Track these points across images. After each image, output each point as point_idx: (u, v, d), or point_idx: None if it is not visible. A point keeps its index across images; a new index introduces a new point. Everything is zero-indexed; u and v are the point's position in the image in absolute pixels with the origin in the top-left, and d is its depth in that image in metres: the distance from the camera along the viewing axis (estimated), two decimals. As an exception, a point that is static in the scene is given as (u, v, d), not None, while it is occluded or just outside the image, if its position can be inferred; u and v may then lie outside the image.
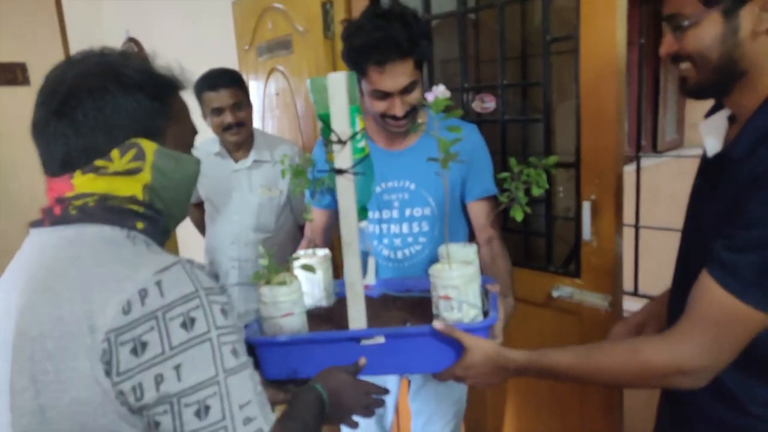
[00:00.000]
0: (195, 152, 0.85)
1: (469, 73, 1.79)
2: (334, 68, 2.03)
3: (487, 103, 1.69)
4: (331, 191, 1.51)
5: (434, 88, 1.08)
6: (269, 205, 2.18)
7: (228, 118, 2.06)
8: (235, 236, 2.19)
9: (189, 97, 0.87)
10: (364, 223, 1.23)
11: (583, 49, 1.42)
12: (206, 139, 2.23)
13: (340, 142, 1.05)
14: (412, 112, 1.38)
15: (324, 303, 1.28)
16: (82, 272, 0.67)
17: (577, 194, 1.51)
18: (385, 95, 1.35)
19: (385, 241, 1.52)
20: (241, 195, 2.17)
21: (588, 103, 1.45)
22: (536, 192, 1.10)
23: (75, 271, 0.67)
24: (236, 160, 2.18)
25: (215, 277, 0.72)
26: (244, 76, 2.36)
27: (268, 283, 1.12)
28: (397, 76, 1.32)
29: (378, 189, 1.50)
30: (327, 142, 1.08)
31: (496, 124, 1.72)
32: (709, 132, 0.99)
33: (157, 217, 0.78)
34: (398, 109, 1.35)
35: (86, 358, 0.63)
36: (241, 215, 2.18)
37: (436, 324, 1.05)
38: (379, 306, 1.24)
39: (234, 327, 0.70)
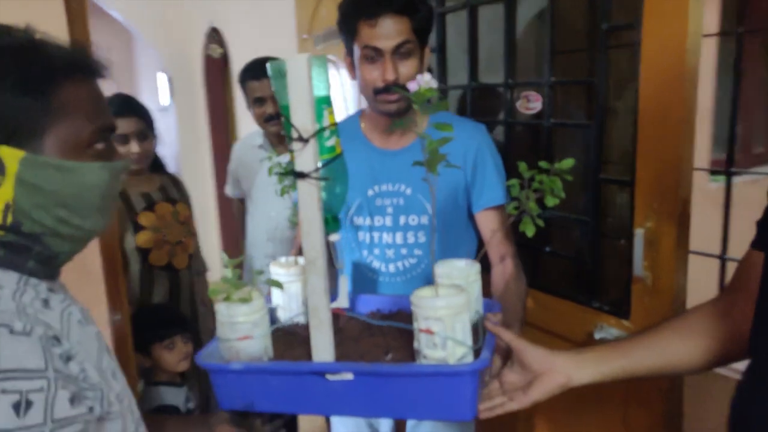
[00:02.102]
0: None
1: (519, 68, 1.55)
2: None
3: (532, 103, 1.44)
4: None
5: (419, 76, 0.91)
6: (308, 202, 2.08)
7: (269, 108, 2.01)
8: (272, 233, 2.13)
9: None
10: (335, 236, 1.06)
11: (646, 41, 1.14)
12: (251, 132, 2.19)
13: (301, 139, 0.89)
14: (407, 99, 1.21)
15: (302, 320, 1.12)
16: None
17: (631, 219, 1.23)
18: (376, 55, 1.21)
19: (376, 251, 1.35)
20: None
21: (649, 109, 1.16)
22: (550, 202, 0.93)
23: None
24: (278, 153, 2.10)
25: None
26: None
27: (227, 299, 0.98)
28: (390, 32, 1.18)
29: (370, 192, 1.33)
30: (288, 140, 0.92)
31: (541, 128, 1.47)
32: None
33: (26, 244, 0.62)
34: (390, 72, 1.19)
35: None
36: (278, 211, 2.11)
37: None
38: (361, 327, 1.07)
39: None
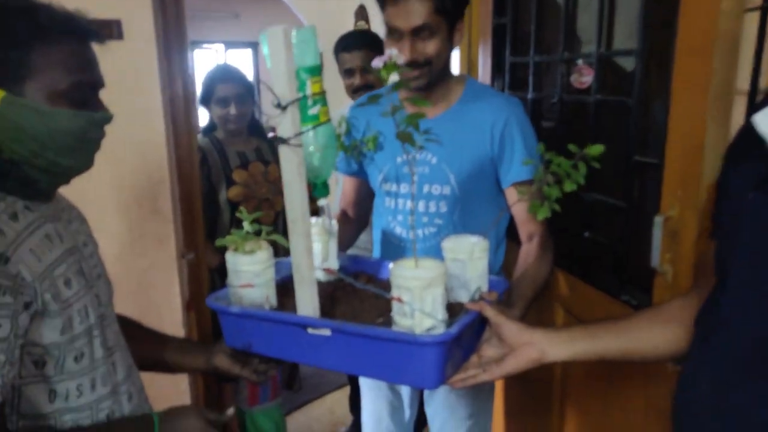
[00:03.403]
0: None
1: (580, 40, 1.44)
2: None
3: (585, 77, 1.35)
4: (362, 157, 1.43)
5: (387, 51, 0.93)
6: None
7: (356, 80, 2.09)
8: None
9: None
10: (324, 201, 1.13)
11: (683, 13, 1.02)
12: (347, 103, 2.30)
13: (280, 107, 0.97)
14: (427, 66, 1.24)
15: (320, 278, 1.22)
16: None
17: (656, 206, 1.12)
18: (397, 35, 1.24)
19: (399, 217, 1.39)
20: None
21: (681, 86, 1.04)
22: (569, 187, 0.92)
23: None
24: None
25: None
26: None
27: (236, 249, 1.09)
28: (409, 13, 1.21)
29: (399, 159, 1.37)
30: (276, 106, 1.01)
31: (589, 105, 1.36)
32: None
33: (5, 168, 0.76)
34: (407, 51, 1.22)
35: None
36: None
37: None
38: (375, 292, 1.08)
39: None
